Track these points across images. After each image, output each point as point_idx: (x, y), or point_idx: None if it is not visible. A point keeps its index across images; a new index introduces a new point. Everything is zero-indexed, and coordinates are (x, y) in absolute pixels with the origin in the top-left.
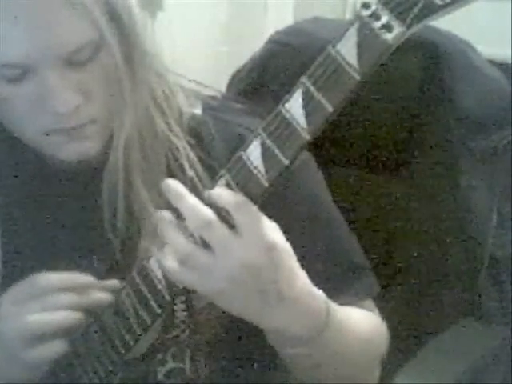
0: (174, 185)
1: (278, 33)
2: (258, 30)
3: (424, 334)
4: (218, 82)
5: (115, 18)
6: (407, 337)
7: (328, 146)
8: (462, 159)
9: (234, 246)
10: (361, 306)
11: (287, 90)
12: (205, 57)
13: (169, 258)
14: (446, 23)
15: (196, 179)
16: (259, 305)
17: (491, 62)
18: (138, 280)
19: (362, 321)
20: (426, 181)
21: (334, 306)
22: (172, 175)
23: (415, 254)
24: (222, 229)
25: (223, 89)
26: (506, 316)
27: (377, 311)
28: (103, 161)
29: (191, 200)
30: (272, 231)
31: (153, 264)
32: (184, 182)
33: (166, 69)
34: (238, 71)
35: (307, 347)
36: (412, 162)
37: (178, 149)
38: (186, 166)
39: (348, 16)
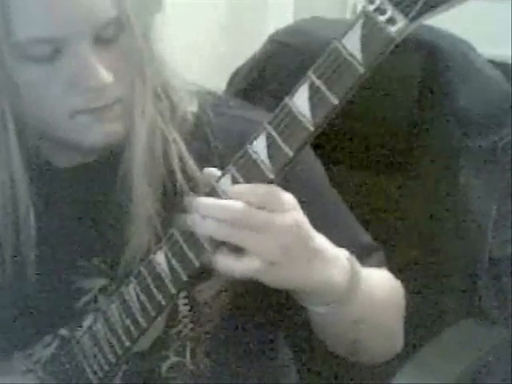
0: (194, 200)
1: (277, 32)
2: (258, 30)
3: (424, 334)
4: (217, 82)
5: None
6: (407, 337)
7: (328, 146)
8: (462, 159)
9: (271, 225)
10: None
11: (287, 89)
12: (205, 57)
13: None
14: (446, 23)
15: (194, 174)
16: (304, 264)
17: (491, 61)
18: (144, 273)
19: (382, 276)
20: (425, 181)
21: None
22: (170, 170)
23: (415, 254)
24: (256, 214)
25: (223, 89)
26: (506, 316)
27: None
28: (105, 160)
29: (212, 201)
30: (286, 195)
31: (159, 258)
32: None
33: (164, 64)
34: (238, 71)
35: (346, 300)
36: (412, 162)
37: (175, 141)
38: (176, 165)
39: (348, 16)
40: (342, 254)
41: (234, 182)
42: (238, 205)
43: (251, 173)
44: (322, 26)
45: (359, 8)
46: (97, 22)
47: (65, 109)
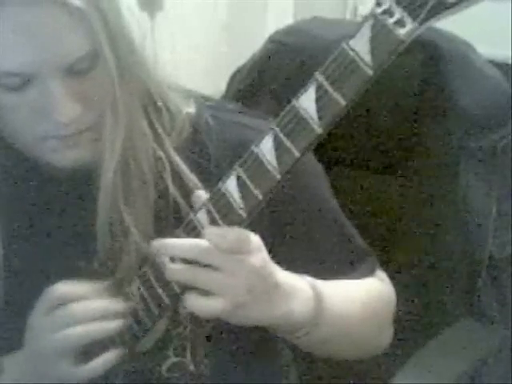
0: (159, 243)
1: (277, 33)
2: (258, 30)
3: (424, 334)
4: (218, 82)
5: (111, 30)
6: (407, 337)
7: (328, 146)
8: (462, 159)
9: (238, 267)
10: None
11: (287, 89)
12: (205, 57)
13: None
14: (446, 23)
15: (193, 186)
16: (265, 302)
17: (491, 62)
18: (148, 273)
19: (355, 287)
20: (426, 181)
21: (319, 282)
22: (160, 186)
23: (415, 254)
24: (224, 256)
25: (223, 88)
26: (506, 316)
27: (386, 278)
28: (96, 167)
29: (181, 241)
30: (253, 236)
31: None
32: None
33: (162, 79)
34: (238, 71)
35: (311, 325)
36: (412, 162)
37: (169, 158)
38: (169, 182)
39: (348, 16)
40: (302, 283)
41: (240, 182)
42: (204, 244)
43: (258, 173)
44: (321, 26)
45: (360, 10)
46: (69, 58)
47: (35, 134)
